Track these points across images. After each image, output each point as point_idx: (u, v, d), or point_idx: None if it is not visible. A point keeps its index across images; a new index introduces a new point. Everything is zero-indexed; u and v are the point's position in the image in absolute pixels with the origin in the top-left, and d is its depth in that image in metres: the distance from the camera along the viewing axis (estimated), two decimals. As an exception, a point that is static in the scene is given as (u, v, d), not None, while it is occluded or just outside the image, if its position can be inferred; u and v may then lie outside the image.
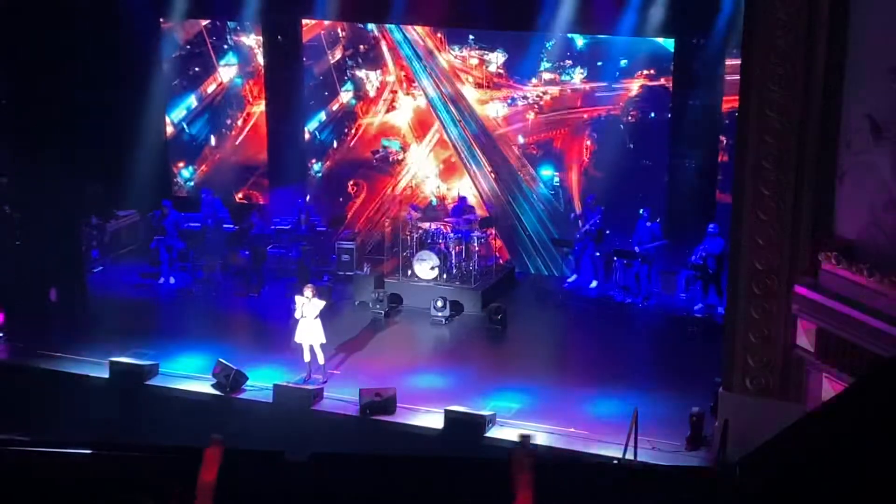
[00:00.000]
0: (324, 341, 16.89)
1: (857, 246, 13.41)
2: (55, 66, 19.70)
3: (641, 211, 20.31)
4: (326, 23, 22.42)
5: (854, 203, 13.52)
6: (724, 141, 19.83)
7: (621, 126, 20.84)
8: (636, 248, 19.99)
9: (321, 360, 16.98)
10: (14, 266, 19.35)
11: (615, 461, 14.18)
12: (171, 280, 21.32)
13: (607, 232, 20.56)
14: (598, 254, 20.79)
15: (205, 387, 17.09)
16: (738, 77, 14.72)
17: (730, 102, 19.25)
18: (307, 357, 16.91)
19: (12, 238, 19.48)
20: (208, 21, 23.13)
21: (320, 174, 23.10)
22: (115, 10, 21.80)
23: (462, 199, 21.39)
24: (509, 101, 21.53)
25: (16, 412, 17.08)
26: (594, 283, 20.82)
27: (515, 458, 5.01)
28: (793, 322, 14.04)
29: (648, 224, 20.02)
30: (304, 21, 22.51)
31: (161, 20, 23.20)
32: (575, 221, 20.93)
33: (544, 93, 21.23)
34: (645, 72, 20.54)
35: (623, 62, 20.60)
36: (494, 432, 15.60)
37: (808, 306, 13.74)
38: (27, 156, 19.31)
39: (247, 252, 21.23)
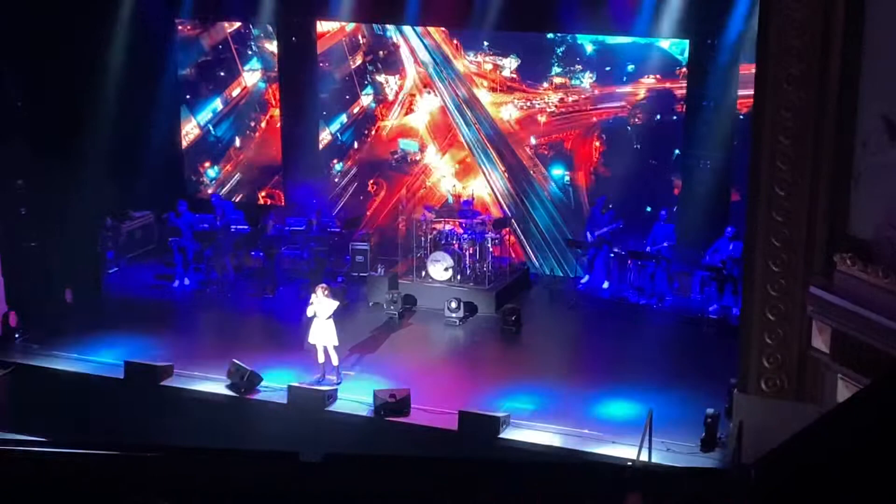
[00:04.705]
0: (336, 343, 16.90)
1: (873, 247, 13.36)
2: (69, 67, 19.80)
3: (658, 210, 20.36)
4: (348, 29, 22.69)
5: (869, 204, 13.47)
6: (738, 142, 19.82)
7: (629, 128, 21.02)
8: (648, 248, 20.02)
9: (335, 361, 17.00)
10: (29, 267, 19.44)
11: (629, 462, 14.16)
12: (186, 281, 21.39)
13: (621, 226, 20.62)
14: (612, 255, 20.81)
15: (219, 387, 17.13)
16: (752, 77, 14.70)
17: (744, 103, 19.27)
18: (321, 358, 16.93)
19: (28, 239, 19.56)
20: (233, 28, 23.42)
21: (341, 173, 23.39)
22: (130, 11, 21.87)
23: (466, 202, 21.32)
24: (522, 103, 21.65)
25: (31, 413, 17.16)
26: (606, 284, 20.84)
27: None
28: (808, 323, 13.99)
29: (665, 224, 20.09)
30: (327, 27, 22.84)
31: (176, 21, 23.44)
32: (589, 221, 20.96)
33: (560, 100, 21.32)
34: (651, 76, 20.65)
35: (630, 67, 20.75)
36: (509, 433, 15.60)
37: (823, 307, 13.69)
38: (42, 158, 19.39)
39: (260, 253, 21.31)
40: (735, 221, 18.77)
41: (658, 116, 20.86)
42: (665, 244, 19.98)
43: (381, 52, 22.73)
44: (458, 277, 20.35)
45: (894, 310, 12.74)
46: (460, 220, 20.94)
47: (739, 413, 14.40)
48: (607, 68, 21.03)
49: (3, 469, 5.41)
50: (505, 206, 22.07)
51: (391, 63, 22.66)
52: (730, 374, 15.28)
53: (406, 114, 22.75)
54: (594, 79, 21.13)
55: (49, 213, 19.66)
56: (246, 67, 23.63)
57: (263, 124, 23.80)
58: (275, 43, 23.24)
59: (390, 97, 22.78)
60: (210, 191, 23.91)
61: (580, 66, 21.20)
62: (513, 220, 21.78)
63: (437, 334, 19.45)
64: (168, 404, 17.05)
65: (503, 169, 22.08)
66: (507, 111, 21.86)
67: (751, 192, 14.38)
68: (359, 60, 22.85)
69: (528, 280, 21.58)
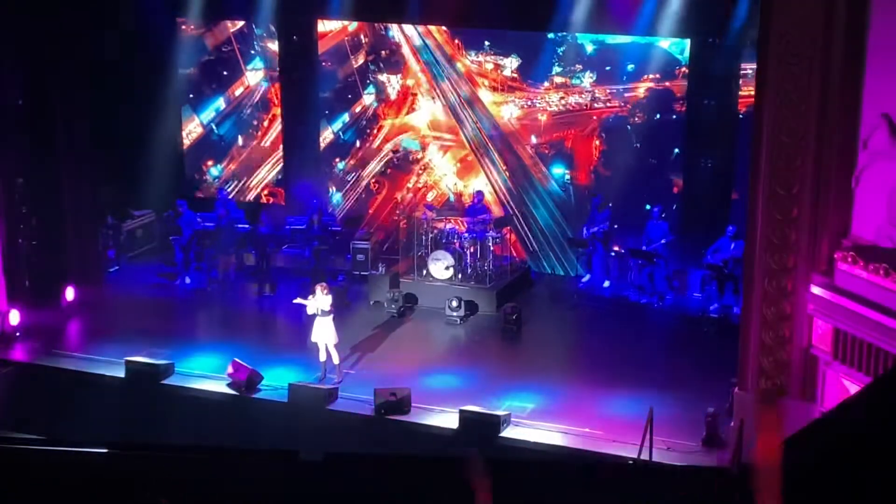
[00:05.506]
0: (336, 341, 16.92)
1: (874, 245, 13.36)
2: (70, 66, 19.79)
3: (652, 208, 20.38)
4: (350, 29, 22.70)
5: (871, 202, 13.48)
6: (739, 141, 19.82)
7: (628, 127, 21.04)
8: (644, 247, 20.03)
9: (336, 359, 17.01)
10: (31, 266, 19.43)
11: (630, 461, 14.15)
12: (187, 280, 21.38)
13: (615, 226, 20.62)
14: (612, 253, 20.81)
15: (220, 386, 17.14)
16: (753, 76, 14.70)
17: (745, 102, 19.28)
18: (322, 356, 16.94)
19: (28, 238, 19.56)
20: (236, 27, 23.46)
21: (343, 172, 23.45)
22: (131, 10, 21.89)
23: (478, 195, 21.33)
24: (522, 103, 21.67)
25: (32, 411, 17.16)
26: (607, 283, 20.84)
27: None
28: (808, 322, 14.00)
29: (659, 221, 20.10)
30: (330, 27, 22.80)
31: (178, 20, 23.44)
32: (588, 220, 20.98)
33: (561, 97, 21.36)
34: (651, 76, 20.67)
35: (630, 67, 20.77)
36: (509, 432, 15.60)
37: (824, 306, 13.69)
38: (43, 156, 19.39)
39: (254, 251, 21.35)
40: (736, 220, 18.78)
41: (658, 115, 20.87)
42: (662, 241, 19.98)
43: (382, 52, 22.76)
44: (459, 276, 20.35)
45: (895, 308, 12.74)
46: (464, 219, 20.96)
47: (740, 412, 14.40)
48: (607, 68, 21.05)
49: (4, 469, 5.41)
50: (505, 205, 22.08)
51: (393, 62, 22.69)
52: (730, 373, 15.28)
53: (408, 112, 22.78)
54: (594, 78, 21.16)
55: (49, 212, 19.67)
56: (248, 66, 23.66)
57: (266, 123, 23.84)
58: (277, 43, 23.25)
59: (392, 96, 22.80)
60: (215, 188, 23.94)
61: (580, 66, 21.23)
62: (512, 219, 21.79)
63: (438, 333, 19.45)
64: (168, 403, 17.05)
65: (504, 167, 22.09)
66: (507, 110, 21.88)
67: (751, 191, 14.38)
68: (361, 60, 22.88)
69: (529, 279, 21.59)
